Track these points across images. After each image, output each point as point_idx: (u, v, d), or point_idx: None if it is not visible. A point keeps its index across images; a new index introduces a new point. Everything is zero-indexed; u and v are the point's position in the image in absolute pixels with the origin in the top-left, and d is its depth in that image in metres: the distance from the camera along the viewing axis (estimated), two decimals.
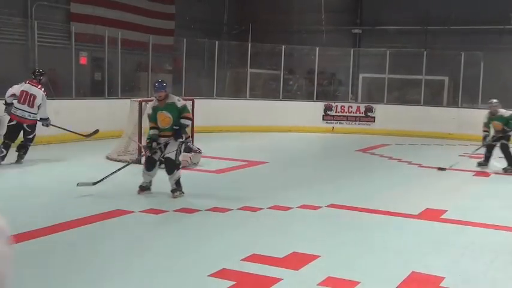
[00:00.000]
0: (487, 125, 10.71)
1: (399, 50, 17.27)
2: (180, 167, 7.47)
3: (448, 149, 14.10)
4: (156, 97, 7.39)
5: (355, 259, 5.22)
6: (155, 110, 7.36)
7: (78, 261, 4.94)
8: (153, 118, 7.37)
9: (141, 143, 9.16)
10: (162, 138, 7.33)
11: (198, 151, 9.97)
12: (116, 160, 9.70)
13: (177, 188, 7.32)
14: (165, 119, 7.27)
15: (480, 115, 16.04)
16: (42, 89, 9.40)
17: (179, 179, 7.33)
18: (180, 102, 7.37)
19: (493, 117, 10.56)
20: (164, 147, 7.32)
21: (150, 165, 7.33)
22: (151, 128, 7.41)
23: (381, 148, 13.63)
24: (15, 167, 9.17)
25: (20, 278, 4.48)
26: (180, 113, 7.27)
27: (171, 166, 7.27)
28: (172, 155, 7.26)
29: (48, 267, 4.76)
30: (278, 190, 8.30)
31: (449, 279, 4.72)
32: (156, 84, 7.42)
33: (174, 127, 7.25)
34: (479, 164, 10.71)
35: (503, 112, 10.56)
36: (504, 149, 10.52)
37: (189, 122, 7.55)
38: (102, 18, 15.24)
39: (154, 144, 7.26)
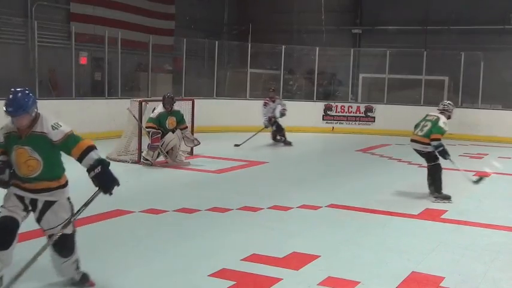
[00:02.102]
0: (440, 131, 8.29)
1: (399, 50, 17.25)
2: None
3: (448, 149, 14.04)
4: (14, 124, 3.91)
5: (355, 259, 5.22)
6: (9, 145, 3.95)
7: None
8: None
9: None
10: (29, 194, 4.00)
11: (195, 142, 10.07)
12: (116, 160, 9.69)
13: (84, 276, 4.35)
14: (29, 161, 3.91)
15: (480, 115, 16.21)
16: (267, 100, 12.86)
17: (79, 261, 4.30)
18: (59, 129, 3.93)
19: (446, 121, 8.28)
20: (39, 211, 4.05)
21: (4, 239, 3.96)
22: None
23: (380, 148, 13.62)
24: None
25: (20, 277, 4.48)
26: (60, 149, 4.00)
27: (68, 246, 4.16)
28: (67, 229, 4.08)
29: (48, 267, 4.76)
30: (278, 190, 8.31)
31: (449, 279, 4.72)
32: (9, 103, 3.82)
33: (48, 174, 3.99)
34: None
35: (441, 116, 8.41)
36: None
37: (95, 156, 3.99)
38: (102, 18, 15.25)
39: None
